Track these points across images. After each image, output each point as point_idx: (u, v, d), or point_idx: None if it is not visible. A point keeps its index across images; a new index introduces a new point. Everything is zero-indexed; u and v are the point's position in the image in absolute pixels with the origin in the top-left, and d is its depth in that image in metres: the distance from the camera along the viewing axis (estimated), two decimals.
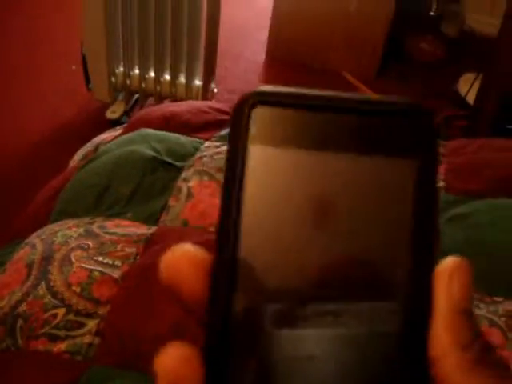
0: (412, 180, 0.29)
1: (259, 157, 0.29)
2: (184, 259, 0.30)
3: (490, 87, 2.97)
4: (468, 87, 3.41)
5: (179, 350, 0.30)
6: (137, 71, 3.05)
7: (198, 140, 1.80)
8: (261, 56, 3.90)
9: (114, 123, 3.01)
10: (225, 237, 0.29)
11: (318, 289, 0.29)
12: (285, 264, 0.29)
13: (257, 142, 0.29)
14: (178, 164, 1.67)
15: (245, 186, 0.29)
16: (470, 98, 3.31)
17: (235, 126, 0.30)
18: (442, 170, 1.76)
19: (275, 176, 0.29)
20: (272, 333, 0.29)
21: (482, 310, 1.33)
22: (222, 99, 3.32)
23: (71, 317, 1.27)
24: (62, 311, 1.28)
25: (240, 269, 0.29)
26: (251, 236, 0.29)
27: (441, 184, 1.71)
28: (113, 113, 3.12)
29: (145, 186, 1.59)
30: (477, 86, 3.19)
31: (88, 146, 1.88)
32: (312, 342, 0.29)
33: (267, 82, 3.77)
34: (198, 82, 3.05)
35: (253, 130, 0.30)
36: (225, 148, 1.72)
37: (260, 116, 0.30)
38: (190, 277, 0.30)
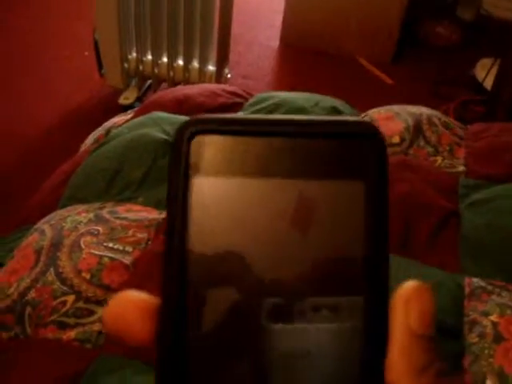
0: (362, 203, 0.28)
1: (201, 187, 0.28)
2: (128, 306, 0.29)
3: (508, 72, 2.91)
4: (485, 72, 3.35)
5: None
6: (150, 57, 3.01)
7: None
8: (275, 41, 3.85)
9: (127, 109, 2.98)
10: (170, 277, 0.29)
11: (272, 320, 0.28)
12: (231, 303, 0.28)
13: (198, 172, 0.28)
14: None
15: (188, 221, 0.28)
16: (488, 84, 3.26)
17: (175, 156, 0.28)
18: (461, 154, 1.72)
19: (219, 207, 0.28)
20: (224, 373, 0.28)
21: (504, 299, 1.29)
22: (236, 84, 3.28)
23: (81, 304, 1.24)
24: (71, 298, 1.24)
25: (188, 308, 0.28)
26: (198, 273, 0.28)
27: (461, 169, 1.67)
28: (126, 99, 3.08)
29: (156, 170, 1.56)
30: (494, 71, 3.13)
31: (99, 130, 1.84)
32: (270, 368, 0.28)
33: (281, 67, 3.73)
34: (211, 67, 3.01)
35: (193, 159, 0.28)
36: None
37: (200, 145, 0.28)
38: (135, 322, 0.29)
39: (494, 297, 1.29)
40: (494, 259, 1.40)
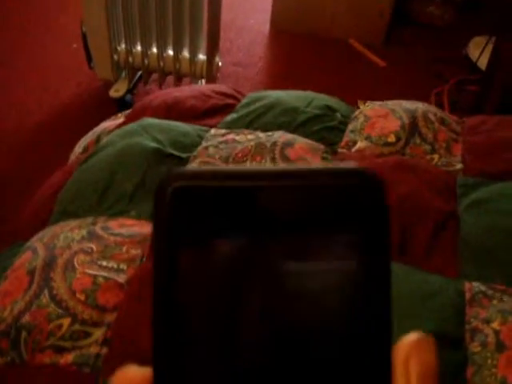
0: (362, 255, 0.26)
1: (190, 259, 0.27)
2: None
3: (502, 51, 2.88)
4: (478, 51, 3.31)
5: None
6: (139, 48, 2.97)
7: (202, 128, 1.73)
8: (265, 26, 3.80)
9: (118, 102, 2.95)
10: (160, 353, 0.27)
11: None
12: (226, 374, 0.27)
13: (184, 236, 0.27)
14: (182, 155, 1.60)
15: (177, 293, 0.27)
16: (482, 63, 3.22)
17: (158, 223, 0.27)
18: (458, 150, 1.70)
19: (208, 272, 0.27)
20: None
21: (505, 304, 1.27)
22: (227, 72, 3.24)
23: (77, 327, 1.22)
24: (67, 321, 1.22)
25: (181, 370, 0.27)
26: (189, 345, 0.27)
27: (458, 166, 1.64)
28: (116, 91, 3.04)
29: (149, 181, 1.53)
30: (488, 49, 3.10)
31: (89, 136, 1.81)
32: None
33: (273, 53, 3.68)
34: (201, 56, 2.97)
35: (176, 217, 0.26)
36: (231, 137, 1.65)
37: (182, 200, 0.26)
38: None
39: (495, 302, 1.28)
40: (495, 262, 1.38)
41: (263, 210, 0.26)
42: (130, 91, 3.08)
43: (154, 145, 1.60)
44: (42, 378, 1.18)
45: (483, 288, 1.31)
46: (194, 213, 0.26)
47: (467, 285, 1.32)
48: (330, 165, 0.27)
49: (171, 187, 0.27)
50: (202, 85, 2.75)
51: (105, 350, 1.20)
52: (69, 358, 1.19)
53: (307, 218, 0.26)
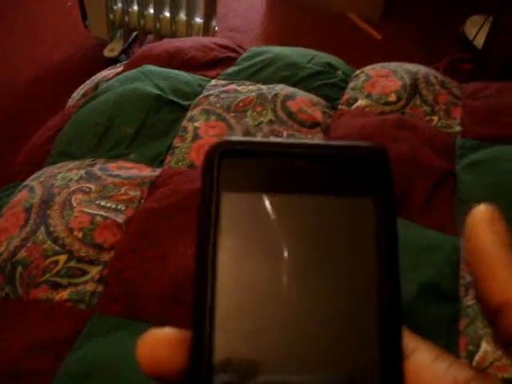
0: (374, 217, 0.30)
1: (231, 205, 0.30)
2: (160, 346, 0.29)
3: (500, 31, 2.88)
4: (475, 30, 3.31)
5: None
6: (136, 8, 2.93)
7: (203, 78, 1.72)
8: None
9: (113, 62, 2.92)
10: (200, 306, 0.29)
11: (299, 358, 0.29)
12: (264, 328, 0.29)
13: (229, 192, 0.30)
14: (183, 103, 1.59)
15: (219, 239, 0.30)
16: (478, 42, 3.22)
17: (206, 176, 0.30)
18: (458, 114, 1.70)
19: (248, 225, 0.30)
20: None
21: None
22: (223, 37, 3.22)
23: (73, 264, 1.21)
24: (63, 258, 1.21)
25: (219, 336, 0.29)
26: (229, 299, 0.29)
27: (457, 129, 1.64)
28: (111, 51, 3.02)
29: (148, 126, 1.52)
30: (486, 29, 3.09)
31: (87, 84, 1.79)
32: None
33: (269, 21, 3.66)
34: (198, 20, 2.94)
35: (224, 179, 0.30)
36: (232, 87, 1.63)
37: (230, 166, 0.30)
38: (170, 361, 0.29)
39: None
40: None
41: (292, 174, 0.30)
42: (124, 51, 3.06)
43: (155, 91, 1.58)
44: (36, 313, 1.17)
45: None
46: (237, 170, 0.30)
47: (463, 241, 1.32)
48: (349, 142, 0.31)
49: (220, 147, 0.30)
50: (204, 37, 2.72)
51: (100, 288, 1.19)
52: (64, 294, 1.18)
53: (328, 184, 0.30)
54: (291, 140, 0.33)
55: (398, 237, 0.30)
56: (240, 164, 0.30)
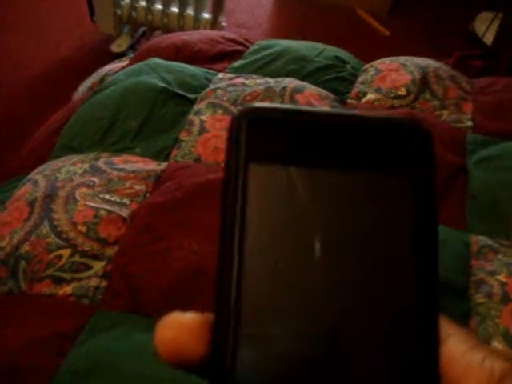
0: (412, 197, 0.28)
1: (259, 176, 0.28)
2: (179, 331, 0.28)
3: (510, 27, 2.85)
4: (485, 27, 3.28)
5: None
6: (143, 3, 2.92)
7: (210, 71, 1.70)
8: None
9: (120, 57, 2.90)
10: (225, 280, 0.27)
11: (329, 336, 0.27)
12: (291, 306, 0.27)
13: (256, 161, 0.28)
14: (190, 96, 1.57)
15: (246, 211, 0.28)
16: (488, 39, 3.19)
17: (232, 146, 0.28)
18: (468, 108, 1.67)
19: (276, 197, 0.28)
20: None
21: (511, 258, 1.26)
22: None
23: (77, 258, 1.19)
24: (67, 252, 1.19)
25: (243, 315, 0.27)
26: (257, 279, 0.27)
27: (468, 124, 1.62)
28: (118, 46, 3.00)
29: (154, 119, 1.50)
30: (494, 26, 3.06)
31: (93, 77, 1.78)
32: None
33: (277, 16, 3.64)
34: (206, 15, 2.93)
35: (250, 148, 0.28)
36: (239, 80, 1.61)
37: (258, 133, 0.28)
38: (193, 346, 0.28)
39: (500, 256, 1.27)
40: (503, 217, 1.36)
41: (325, 146, 0.28)
42: (132, 47, 3.04)
43: (161, 84, 1.56)
44: (40, 307, 1.15)
45: (490, 242, 1.30)
46: (266, 139, 0.28)
47: (474, 238, 1.31)
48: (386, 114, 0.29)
49: (248, 115, 0.28)
50: (211, 31, 2.71)
51: (104, 283, 1.17)
52: (67, 289, 1.16)
53: (365, 156, 0.28)
54: (325, 109, 0.31)
55: (437, 219, 0.29)
56: (269, 133, 0.28)
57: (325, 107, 1.46)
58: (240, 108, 0.29)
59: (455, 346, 0.27)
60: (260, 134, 0.28)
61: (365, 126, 0.29)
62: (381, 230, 0.28)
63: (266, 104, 0.30)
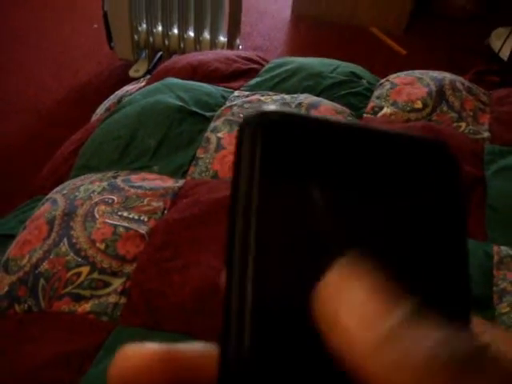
0: (440, 220, 0.26)
1: (272, 194, 0.24)
2: (135, 367, 0.24)
3: None
4: (501, 42, 3.27)
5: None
6: (160, 28, 2.95)
7: (226, 89, 1.71)
8: (286, 12, 3.78)
9: None
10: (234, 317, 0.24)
11: None
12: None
13: (269, 179, 0.24)
14: (206, 114, 1.58)
15: (256, 238, 0.24)
16: (504, 54, 3.18)
17: (243, 158, 0.25)
18: (486, 119, 1.67)
19: (287, 215, 0.24)
20: None
21: None
22: None
23: (95, 275, 1.19)
24: (85, 270, 1.20)
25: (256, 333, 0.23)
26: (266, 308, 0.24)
27: (485, 135, 1.61)
28: (136, 71, 3.03)
29: (171, 138, 1.50)
30: (510, 41, 3.06)
31: (111, 99, 1.79)
32: None
33: (293, 39, 3.66)
34: (222, 39, 2.95)
35: (263, 163, 0.24)
36: (255, 97, 1.62)
37: (272, 145, 0.25)
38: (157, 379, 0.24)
39: None
40: None
41: (349, 163, 0.26)
42: (149, 72, 3.07)
43: (177, 102, 1.57)
44: (59, 325, 1.15)
45: (511, 252, 1.29)
46: (279, 148, 0.25)
47: (495, 248, 1.30)
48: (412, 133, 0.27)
49: (261, 120, 0.25)
50: (226, 50, 2.72)
51: (123, 300, 1.17)
52: (86, 306, 1.16)
53: (386, 176, 0.26)
54: (344, 121, 0.28)
55: (467, 236, 0.28)
56: (285, 144, 0.25)
57: (342, 120, 1.45)
58: (248, 112, 0.25)
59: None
60: (273, 144, 0.25)
61: (390, 142, 0.26)
62: (410, 255, 0.26)
63: (279, 108, 0.26)
